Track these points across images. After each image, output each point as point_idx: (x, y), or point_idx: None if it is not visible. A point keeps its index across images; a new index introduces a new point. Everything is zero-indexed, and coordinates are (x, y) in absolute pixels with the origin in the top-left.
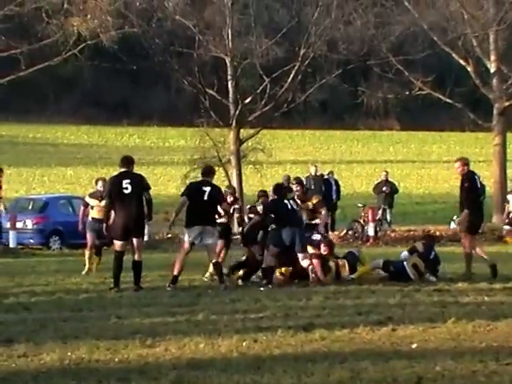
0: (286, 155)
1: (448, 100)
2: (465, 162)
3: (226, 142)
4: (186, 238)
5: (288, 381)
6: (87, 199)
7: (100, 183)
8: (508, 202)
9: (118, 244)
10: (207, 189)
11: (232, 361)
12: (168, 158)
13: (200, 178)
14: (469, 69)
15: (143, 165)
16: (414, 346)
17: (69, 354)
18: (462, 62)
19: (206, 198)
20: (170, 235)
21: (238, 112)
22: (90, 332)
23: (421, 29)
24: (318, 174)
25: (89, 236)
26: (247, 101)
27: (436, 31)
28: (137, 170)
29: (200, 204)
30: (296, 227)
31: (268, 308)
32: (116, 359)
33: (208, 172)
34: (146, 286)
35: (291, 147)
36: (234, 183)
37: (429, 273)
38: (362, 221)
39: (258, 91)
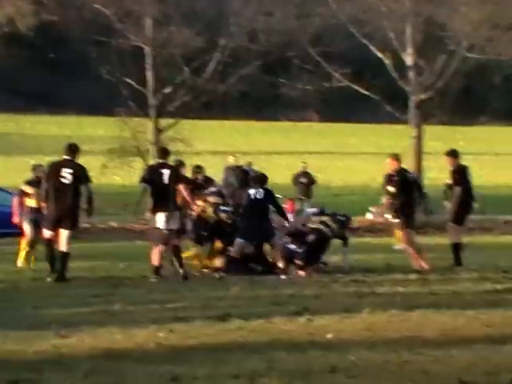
0: (205, 146)
1: (366, 92)
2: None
3: (144, 131)
4: (159, 225)
5: (203, 371)
6: (24, 187)
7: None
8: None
9: (46, 233)
10: (166, 171)
11: (148, 351)
12: (86, 148)
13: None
14: (386, 61)
15: (61, 154)
16: (329, 336)
17: None
18: (379, 54)
19: (166, 181)
20: (87, 224)
21: (157, 102)
22: (2, 322)
23: (340, 21)
24: (237, 164)
25: (27, 227)
26: (166, 91)
27: (354, 24)
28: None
29: (161, 188)
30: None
31: (185, 298)
32: (30, 350)
33: (165, 154)
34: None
35: (211, 138)
36: None
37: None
38: None
39: (178, 81)
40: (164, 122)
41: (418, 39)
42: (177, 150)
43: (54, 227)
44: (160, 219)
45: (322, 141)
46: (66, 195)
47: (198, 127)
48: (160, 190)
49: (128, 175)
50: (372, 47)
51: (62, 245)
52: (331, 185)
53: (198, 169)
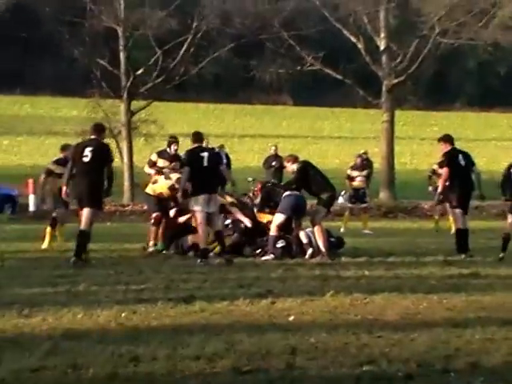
0: (178, 128)
1: (338, 76)
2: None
3: (118, 113)
4: (197, 208)
5: (163, 352)
6: (51, 166)
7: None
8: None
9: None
10: (205, 154)
11: (109, 331)
12: (60, 128)
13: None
14: (359, 46)
15: (34, 134)
16: (291, 318)
17: None
18: (352, 38)
19: (205, 163)
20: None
21: (129, 83)
22: None
23: (313, 5)
24: (209, 147)
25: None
26: (139, 72)
27: (328, 7)
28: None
29: (202, 171)
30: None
31: (151, 280)
32: None
33: (199, 138)
34: (28, 257)
35: (184, 120)
36: (125, 155)
37: None
38: (251, 195)
39: (150, 63)
40: (137, 103)
41: (392, 24)
42: (148, 132)
43: (80, 207)
44: (200, 202)
45: (296, 124)
46: (88, 174)
47: (172, 110)
48: (200, 173)
49: None
50: (345, 31)
51: (84, 223)
52: None
53: (173, 138)
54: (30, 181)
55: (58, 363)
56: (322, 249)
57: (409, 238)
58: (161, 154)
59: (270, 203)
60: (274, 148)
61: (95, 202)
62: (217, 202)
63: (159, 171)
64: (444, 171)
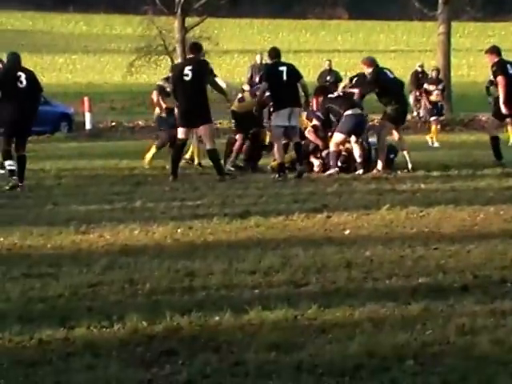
0: (233, 44)
1: None
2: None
3: (172, 30)
4: (279, 122)
5: (219, 266)
6: (162, 82)
7: None
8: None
9: (180, 131)
10: (284, 68)
11: (165, 247)
12: (115, 46)
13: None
14: None
15: (89, 52)
16: (346, 232)
17: (1, 239)
18: None
19: (285, 78)
20: (114, 123)
21: (183, 0)
22: (24, 218)
23: None
24: (263, 62)
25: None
26: None
27: None
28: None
29: (281, 85)
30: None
31: (206, 196)
32: (49, 245)
33: (277, 53)
34: (85, 175)
35: (239, 36)
36: None
37: None
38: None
39: None
40: (191, 20)
41: None
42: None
43: (187, 124)
44: (282, 116)
45: (351, 38)
46: (192, 92)
47: (227, 26)
48: (280, 88)
49: (155, 74)
50: None
51: (208, 143)
52: None
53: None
54: (86, 99)
55: (116, 278)
56: (379, 164)
57: (466, 151)
58: (168, 81)
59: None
60: (327, 63)
61: (208, 118)
62: (297, 115)
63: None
64: (500, 80)
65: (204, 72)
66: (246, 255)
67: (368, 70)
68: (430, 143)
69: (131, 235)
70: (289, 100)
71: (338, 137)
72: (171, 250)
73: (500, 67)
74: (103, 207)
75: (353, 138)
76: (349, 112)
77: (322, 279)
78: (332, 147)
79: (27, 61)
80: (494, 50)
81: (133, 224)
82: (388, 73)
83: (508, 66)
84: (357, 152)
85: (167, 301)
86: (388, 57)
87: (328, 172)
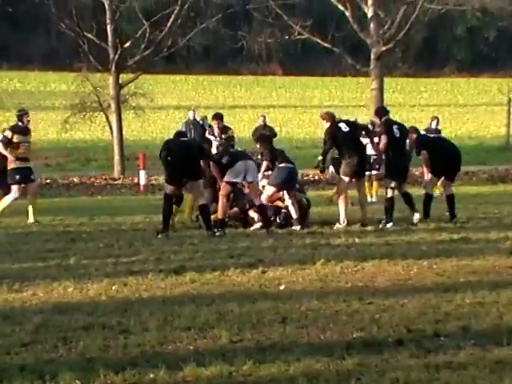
0: (169, 100)
1: (327, 45)
2: None
3: (106, 87)
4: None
5: (154, 323)
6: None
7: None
8: None
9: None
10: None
11: (99, 304)
12: (49, 103)
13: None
14: (347, 13)
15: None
16: (281, 287)
17: None
18: (340, 6)
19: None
20: (48, 180)
21: (117, 56)
22: None
23: None
24: (197, 118)
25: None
26: (126, 45)
27: None
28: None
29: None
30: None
31: (141, 252)
32: None
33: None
34: (19, 232)
35: (174, 92)
36: (115, 129)
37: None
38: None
39: (138, 35)
40: (126, 76)
41: None
42: (138, 105)
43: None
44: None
45: (286, 94)
46: None
47: (162, 82)
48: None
49: (89, 130)
50: None
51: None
52: (294, 137)
53: (23, 111)
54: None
55: (49, 337)
56: (341, 215)
57: (400, 205)
58: (15, 129)
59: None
60: (262, 118)
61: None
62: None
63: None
64: (382, 139)
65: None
66: (181, 311)
67: (326, 125)
68: (369, 198)
69: (65, 292)
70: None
71: (269, 190)
72: (106, 307)
73: (386, 128)
74: (37, 265)
75: (286, 194)
76: (282, 165)
77: (257, 334)
78: (263, 200)
79: None
80: (380, 111)
81: (67, 281)
82: (342, 126)
83: (394, 126)
84: (291, 208)
85: (101, 359)
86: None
87: (253, 227)
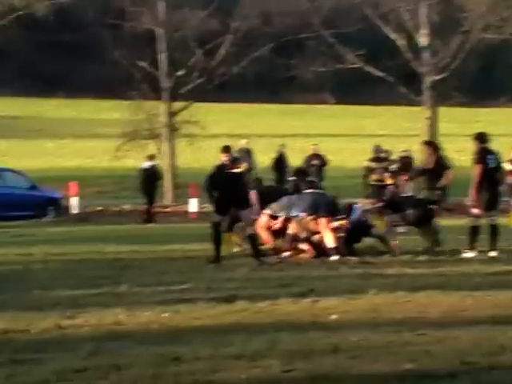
0: (222, 129)
1: (379, 74)
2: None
3: (159, 114)
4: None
5: (205, 352)
6: None
7: None
8: None
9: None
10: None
11: (150, 332)
12: (102, 131)
13: None
14: (400, 43)
15: (78, 137)
16: (333, 317)
17: None
18: (393, 35)
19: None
20: (101, 207)
21: (170, 85)
22: (10, 303)
23: (353, 2)
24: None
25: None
26: (179, 73)
27: (368, 5)
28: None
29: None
30: None
31: (192, 280)
32: (34, 330)
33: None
34: (72, 259)
35: (227, 121)
36: (166, 156)
37: None
38: None
39: (191, 64)
40: (178, 105)
41: (433, 20)
42: (190, 133)
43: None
44: None
45: (338, 123)
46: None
47: (214, 110)
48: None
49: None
50: (386, 28)
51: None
52: (345, 166)
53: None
54: (73, 183)
55: (101, 364)
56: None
57: (452, 236)
58: None
59: None
60: (313, 147)
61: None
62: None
63: None
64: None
65: None
66: (232, 340)
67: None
68: None
69: (117, 320)
70: None
71: (262, 219)
72: (157, 335)
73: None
74: (89, 291)
75: (323, 221)
76: (308, 190)
77: (309, 364)
78: (290, 230)
79: (17, 146)
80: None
81: (118, 308)
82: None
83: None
84: (328, 237)
85: None
86: (375, 141)
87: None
